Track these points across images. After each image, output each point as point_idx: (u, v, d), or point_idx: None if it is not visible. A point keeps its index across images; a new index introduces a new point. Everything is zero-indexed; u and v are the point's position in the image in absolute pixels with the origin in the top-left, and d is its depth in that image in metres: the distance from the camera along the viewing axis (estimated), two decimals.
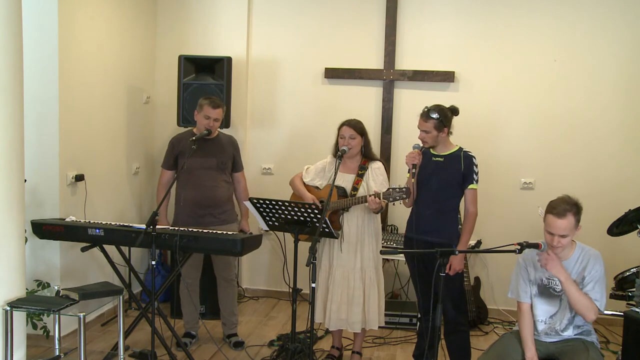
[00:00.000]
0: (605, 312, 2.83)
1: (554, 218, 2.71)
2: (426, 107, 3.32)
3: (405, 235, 3.52)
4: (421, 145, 3.35)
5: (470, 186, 3.31)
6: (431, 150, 3.38)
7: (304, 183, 3.71)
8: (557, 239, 2.72)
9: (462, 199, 3.39)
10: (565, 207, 2.72)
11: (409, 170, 3.39)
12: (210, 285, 4.27)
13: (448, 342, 3.47)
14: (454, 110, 3.37)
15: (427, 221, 3.34)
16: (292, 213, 3.24)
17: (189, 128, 4.11)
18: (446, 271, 3.24)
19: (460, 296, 3.47)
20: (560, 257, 2.82)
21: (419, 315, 3.73)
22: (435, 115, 3.25)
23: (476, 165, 3.31)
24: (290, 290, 3.34)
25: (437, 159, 3.36)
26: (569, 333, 2.87)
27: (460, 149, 3.36)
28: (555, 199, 2.79)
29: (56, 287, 3.58)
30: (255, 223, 3.75)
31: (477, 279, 4.71)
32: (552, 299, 2.86)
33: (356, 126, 3.54)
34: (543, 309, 2.88)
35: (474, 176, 3.31)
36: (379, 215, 3.61)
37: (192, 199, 3.86)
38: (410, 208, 3.48)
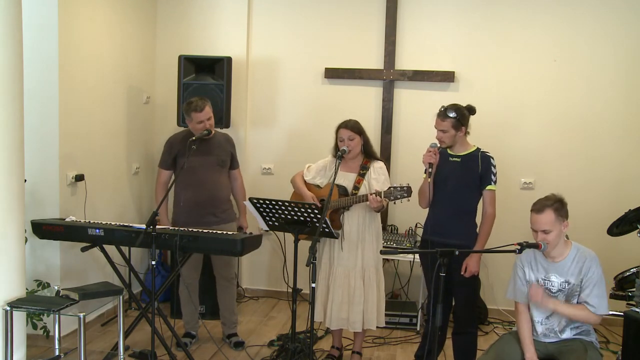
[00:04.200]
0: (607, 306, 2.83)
1: (533, 214, 2.80)
2: (443, 106, 3.29)
3: (422, 238, 3.48)
4: (438, 144, 3.31)
5: (489, 187, 3.28)
6: (448, 151, 3.34)
7: (305, 181, 3.71)
8: (541, 235, 2.75)
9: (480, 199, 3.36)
10: (545, 202, 2.78)
11: (425, 170, 3.34)
12: (209, 286, 4.27)
13: (455, 341, 3.46)
14: (471, 110, 3.34)
15: (444, 223, 3.30)
16: (292, 213, 3.24)
17: (186, 128, 4.06)
18: (462, 273, 3.24)
19: (473, 298, 3.46)
20: (554, 257, 2.83)
21: (426, 317, 3.72)
22: (452, 114, 3.23)
23: (494, 166, 3.29)
24: (290, 290, 3.34)
25: (454, 159, 3.32)
26: (568, 334, 2.88)
27: (478, 149, 3.33)
28: (540, 198, 2.84)
29: (56, 287, 3.58)
30: (255, 222, 3.74)
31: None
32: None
33: (353, 127, 3.53)
34: (539, 310, 2.88)
35: (492, 177, 3.27)
36: (379, 215, 3.61)
37: (193, 199, 3.85)
38: (427, 209, 3.44)
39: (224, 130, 4.23)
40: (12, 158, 2.90)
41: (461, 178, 3.30)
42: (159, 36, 5.11)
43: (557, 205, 2.76)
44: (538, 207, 2.79)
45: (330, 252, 3.59)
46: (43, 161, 3.80)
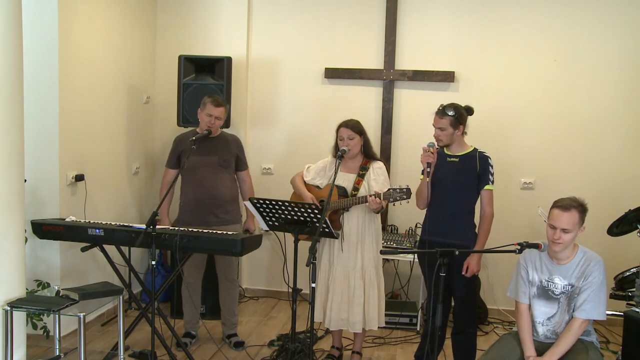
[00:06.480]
0: (605, 312, 2.83)
1: (558, 211, 2.74)
2: (441, 104, 3.31)
3: (421, 239, 3.49)
4: (435, 143, 3.32)
5: (486, 187, 3.30)
6: (445, 151, 3.35)
7: (305, 182, 3.71)
8: (559, 233, 2.72)
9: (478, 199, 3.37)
10: (571, 202, 2.75)
11: (422, 170, 3.34)
12: (210, 285, 4.27)
13: (454, 341, 3.46)
14: (469, 110, 3.37)
15: (442, 223, 3.30)
16: (292, 213, 3.24)
17: (193, 128, 4.11)
18: (463, 272, 3.24)
19: (473, 298, 3.46)
20: (560, 259, 2.82)
21: (425, 317, 3.71)
22: (451, 112, 3.25)
23: (492, 166, 3.30)
24: (290, 290, 3.34)
25: (452, 159, 3.33)
26: None
27: (475, 149, 3.34)
28: (562, 198, 2.81)
29: (56, 287, 3.57)
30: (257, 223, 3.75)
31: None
32: (551, 301, 2.85)
33: (354, 127, 3.53)
34: (541, 311, 2.88)
35: (490, 177, 3.29)
36: (379, 215, 3.61)
37: (194, 198, 3.87)
38: (425, 210, 3.42)
39: (225, 131, 4.22)
40: (12, 158, 2.90)
41: (460, 178, 3.30)
42: (159, 36, 5.11)
43: (581, 208, 2.76)
44: (565, 204, 2.75)
45: (330, 252, 3.59)
46: (43, 161, 3.80)
